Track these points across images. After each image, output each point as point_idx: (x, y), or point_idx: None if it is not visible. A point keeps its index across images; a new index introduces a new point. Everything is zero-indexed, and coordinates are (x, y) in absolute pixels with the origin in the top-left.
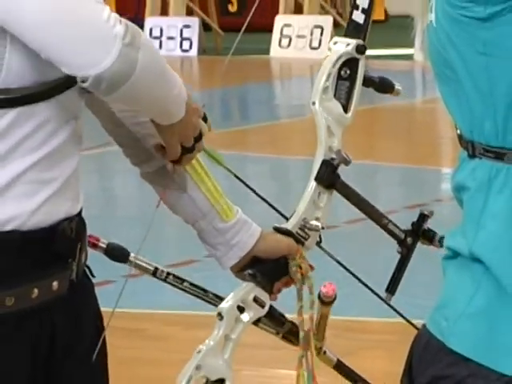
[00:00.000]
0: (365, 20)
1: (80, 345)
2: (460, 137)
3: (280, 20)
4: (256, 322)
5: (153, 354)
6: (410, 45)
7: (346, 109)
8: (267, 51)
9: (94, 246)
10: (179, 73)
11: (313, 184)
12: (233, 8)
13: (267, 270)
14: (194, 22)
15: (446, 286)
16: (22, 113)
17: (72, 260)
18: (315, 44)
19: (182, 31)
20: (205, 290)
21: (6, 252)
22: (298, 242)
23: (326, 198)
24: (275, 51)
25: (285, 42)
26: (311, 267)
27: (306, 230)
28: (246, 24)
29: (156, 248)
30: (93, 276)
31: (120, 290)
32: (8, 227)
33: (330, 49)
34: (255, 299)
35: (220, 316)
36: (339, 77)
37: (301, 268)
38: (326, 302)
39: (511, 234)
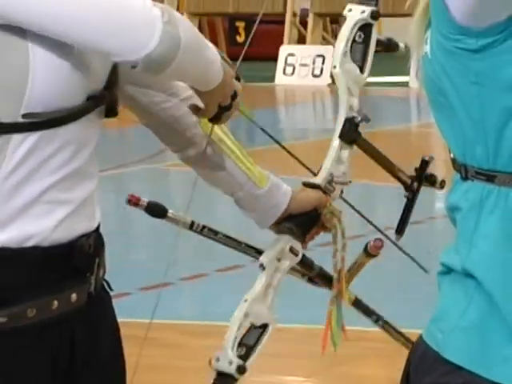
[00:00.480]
0: None
1: (98, 357)
2: (453, 160)
3: (284, 50)
4: None
5: (167, 361)
6: (406, 73)
7: (361, 70)
8: (272, 79)
9: (136, 204)
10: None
11: (337, 141)
12: (240, 39)
13: (301, 222)
14: None
15: (441, 300)
16: (45, 136)
17: (90, 274)
18: (317, 72)
19: None
20: (238, 242)
21: (28, 266)
22: (325, 194)
23: (348, 154)
24: (280, 79)
25: (289, 70)
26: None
27: (333, 184)
28: (243, 53)
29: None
30: (111, 289)
31: (137, 302)
32: (29, 243)
33: (345, 16)
34: (291, 249)
35: (262, 267)
36: (354, 41)
37: (334, 215)
38: (371, 253)
39: (503, 253)
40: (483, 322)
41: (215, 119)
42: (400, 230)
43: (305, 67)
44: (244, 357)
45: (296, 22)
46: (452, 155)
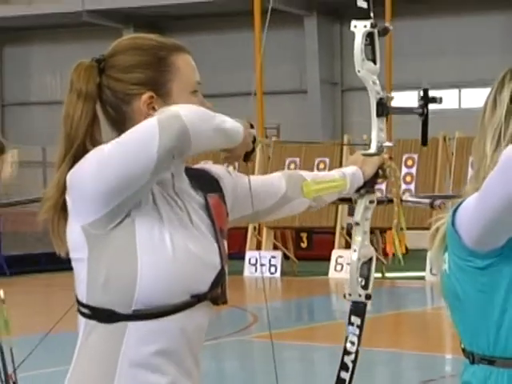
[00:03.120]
0: (368, 5)
1: None
2: (463, 349)
3: (335, 253)
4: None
5: None
6: (423, 269)
7: (374, 62)
8: (327, 274)
9: None
10: (268, 290)
11: (375, 119)
12: (304, 245)
13: (370, 182)
14: (278, 254)
15: None
16: (153, 322)
17: None
18: None
19: (270, 260)
20: None
21: None
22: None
23: (384, 123)
24: (332, 274)
25: (338, 267)
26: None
27: (382, 148)
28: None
29: None
30: None
31: None
32: None
33: (355, 26)
34: (370, 202)
35: (357, 223)
36: (364, 46)
37: (391, 167)
38: (433, 207)
39: None
40: None
41: (245, 161)
42: (423, 140)
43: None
44: (365, 286)
45: (343, 233)
46: (462, 345)
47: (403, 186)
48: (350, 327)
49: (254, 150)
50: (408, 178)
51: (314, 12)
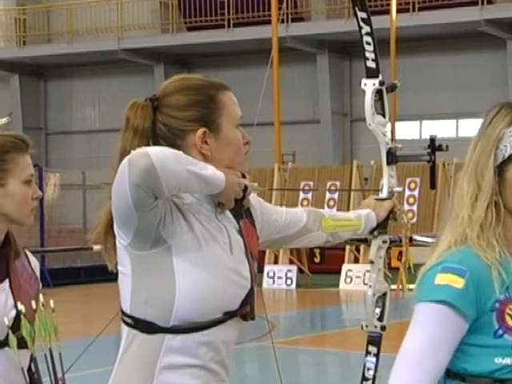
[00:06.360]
0: (376, 65)
1: None
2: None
3: (345, 267)
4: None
5: None
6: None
7: (384, 116)
8: (337, 286)
9: None
10: (284, 300)
11: (386, 166)
12: (317, 259)
13: (382, 223)
14: (294, 268)
15: None
16: (188, 336)
17: None
18: (367, 281)
19: (286, 273)
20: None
21: None
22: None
23: (394, 170)
24: (342, 286)
25: (348, 280)
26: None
27: (392, 193)
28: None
29: None
30: None
31: None
32: None
33: (365, 84)
34: (383, 241)
35: (372, 262)
36: (374, 101)
37: (401, 211)
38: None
39: None
40: None
41: (238, 205)
42: (431, 184)
43: (358, 278)
44: (381, 318)
45: (352, 249)
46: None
47: (406, 207)
48: (368, 356)
49: (244, 197)
50: (411, 200)
51: (325, 50)
